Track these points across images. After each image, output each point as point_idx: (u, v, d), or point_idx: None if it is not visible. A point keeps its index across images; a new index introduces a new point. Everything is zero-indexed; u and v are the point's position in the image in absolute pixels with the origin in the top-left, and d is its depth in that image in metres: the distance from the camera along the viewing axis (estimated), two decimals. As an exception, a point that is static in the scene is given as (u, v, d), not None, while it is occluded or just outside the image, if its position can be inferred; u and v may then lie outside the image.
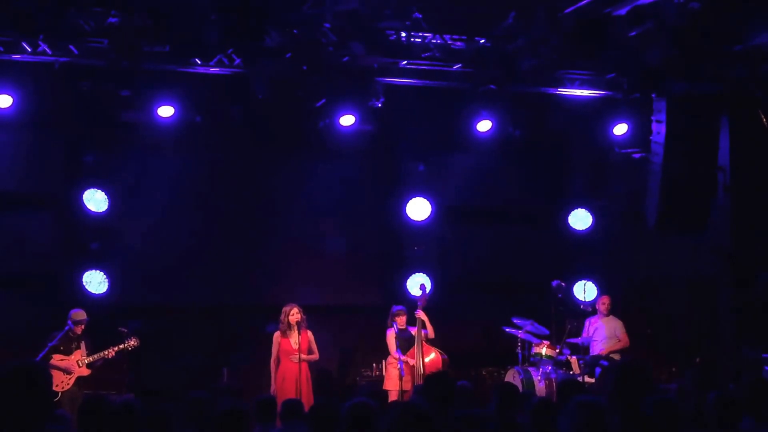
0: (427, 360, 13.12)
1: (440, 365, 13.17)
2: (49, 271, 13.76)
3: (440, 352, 13.37)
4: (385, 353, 13.51)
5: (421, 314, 13.27)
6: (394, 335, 13.28)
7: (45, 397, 4.28)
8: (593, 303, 14.58)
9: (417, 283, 14.40)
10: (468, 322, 15.21)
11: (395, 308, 13.47)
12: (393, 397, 12.92)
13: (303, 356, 12.58)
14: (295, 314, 12.66)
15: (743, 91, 13.42)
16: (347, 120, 13.38)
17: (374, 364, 14.14)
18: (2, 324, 13.29)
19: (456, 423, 6.31)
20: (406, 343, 13.24)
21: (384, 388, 13.24)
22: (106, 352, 12.32)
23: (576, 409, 5.30)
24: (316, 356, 12.91)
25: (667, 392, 8.95)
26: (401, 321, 13.34)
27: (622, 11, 11.84)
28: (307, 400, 11.78)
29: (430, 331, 13.30)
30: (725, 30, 12.09)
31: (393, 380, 13.16)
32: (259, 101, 12.59)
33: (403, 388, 12.79)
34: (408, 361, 13.07)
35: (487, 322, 14.92)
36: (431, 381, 7.73)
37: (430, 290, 14.29)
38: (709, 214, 13.66)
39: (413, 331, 13.29)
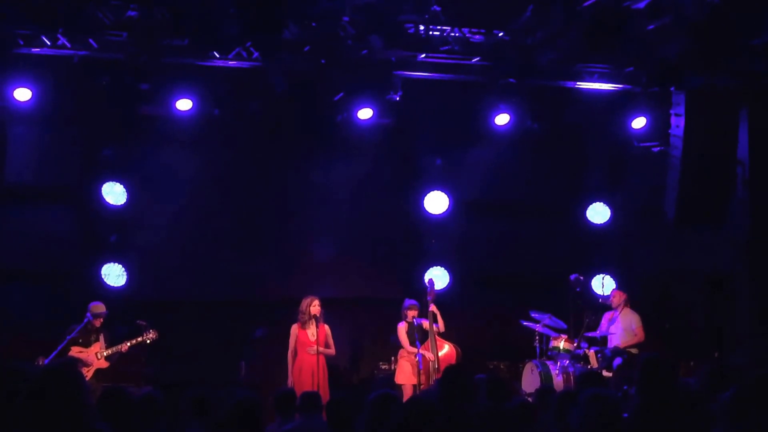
0: (441, 353, 13.12)
1: (454, 358, 13.17)
2: (67, 264, 13.82)
3: (453, 345, 13.38)
4: (399, 346, 13.52)
5: (433, 308, 13.25)
6: (405, 329, 13.28)
7: (83, 395, 4.30)
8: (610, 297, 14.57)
9: (435, 277, 14.40)
10: (486, 315, 15.22)
11: (407, 302, 13.45)
12: (407, 390, 12.92)
13: (320, 349, 12.59)
14: (315, 306, 12.68)
15: (762, 85, 13.37)
16: (365, 113, 13.37)
17: (392, 357, 14.15)
18: (22, 317, 13.40)
19: (472, 416, 6.31)
20: (419, 336, 13.23)
21: (396, 382, 13.23)
22: (121, 346, 12.36)
23: (588, 402, 5.29)
24: (332, 351, 12.91)
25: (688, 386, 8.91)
26: (413, 315, 13.34)
27: (641, 5, 11.77)
28: (324, 393, 11.79)
29: (441, 326, 13.28)
30: (744, 23, 12.03)
31: (405, 374, 13.17)
32: (277, 95, 12.60)
33: (417, 382, 12.81)
34: (425, 355, 13.06)
35: (504, 315, 14.90)
36: (448, 374, 7.72)
37: (448, 283, 14.32)
38: (728, 208, 13.61)
39: (423, 322, 13.26)
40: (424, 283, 14.43)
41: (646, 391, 4.98)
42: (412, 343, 13.09)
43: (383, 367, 14.38)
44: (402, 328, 13.32)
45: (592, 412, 5.30)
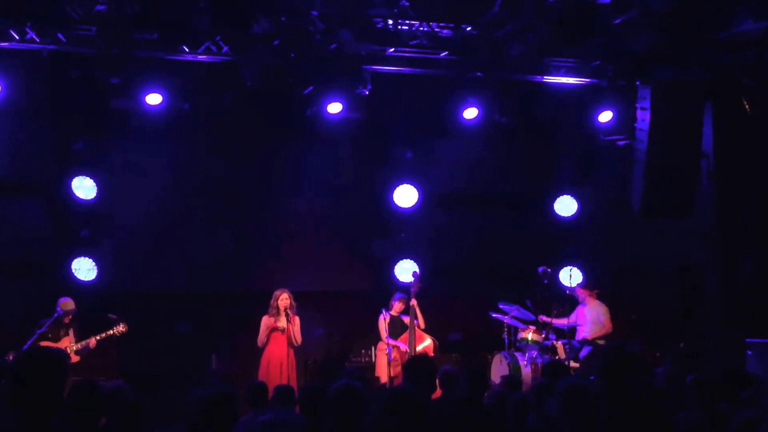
0: (419, 348, 13.19)
1: (431, 351, 13.26)
2: (37, 258, 13.78)
3: (432, 338, 13.47)
4: (375, 339, 13.58)
5: (414, 303, 13.33)
6: (385, 321, 13.33)
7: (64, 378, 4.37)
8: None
9: (405, 270, 14.50)
10: (455, 307, 15.28)
11: (397, 295, 13.57)
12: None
13: (293, 334, 12.64)
14: (284, 299, 12.72)
15: (727, 78, 13.51)
16: (335, 107, 13.40)
17: (363, 350, 14.21)
18: (-9, 311, 13.35)
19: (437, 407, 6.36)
20: (397, 330, 13.30)
21: (376, 375, 13.28)
22: (90, 340, 12.33)
23: (565, 392, 5.36)
24: (298, 339, 12.88)
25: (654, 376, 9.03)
26: (398, 308, 13.41)
27: (608, -2, 11.92)
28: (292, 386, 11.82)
29: (421, 321, 13.35)
30: (710, 17, 12.17)
31: (381, 367, 13.23)
32: (248, 88, 12.63)
33: (392, 374, 12.86)
34: (398, 347, 13.14)
35: (473, 307, 14.99)
36: (411, 365, 7.78)
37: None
38: (694, 200, 13.75)
39: (405, 319, 13.35)
40: (395, 276, 14.53)
41: (606, 379, 5.03)
42: (388, 335, 13.19)
43: (355, 359, 14.44)
44: (381, 321, 13.37)
45: (570, 401, 5.36)
